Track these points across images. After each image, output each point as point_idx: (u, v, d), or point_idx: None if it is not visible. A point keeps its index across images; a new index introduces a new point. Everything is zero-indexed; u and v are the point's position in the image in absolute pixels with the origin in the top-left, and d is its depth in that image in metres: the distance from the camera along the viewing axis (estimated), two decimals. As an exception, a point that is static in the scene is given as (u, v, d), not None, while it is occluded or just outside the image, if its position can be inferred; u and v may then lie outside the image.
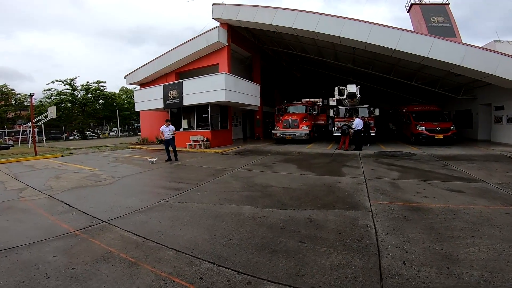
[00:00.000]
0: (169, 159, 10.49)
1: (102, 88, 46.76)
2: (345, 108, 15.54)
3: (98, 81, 47.30)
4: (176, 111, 15.66)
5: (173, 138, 10.49)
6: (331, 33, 12.44)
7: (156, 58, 20.03)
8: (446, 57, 10.97)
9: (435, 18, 21.24)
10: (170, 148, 10.53)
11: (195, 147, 14.04)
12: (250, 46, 19.51)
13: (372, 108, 14.85)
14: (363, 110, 15.02)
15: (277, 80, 24.97)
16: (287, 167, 8.40)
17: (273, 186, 6.11)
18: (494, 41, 16.01)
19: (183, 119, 15.14)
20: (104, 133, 54.46)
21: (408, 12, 22.77)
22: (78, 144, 25.72)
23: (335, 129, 14.95)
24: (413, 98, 20.76)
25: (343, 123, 14.82)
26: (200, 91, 13.39)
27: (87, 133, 48.44)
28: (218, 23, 16.70)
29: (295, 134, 14.97)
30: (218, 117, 14.96)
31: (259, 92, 16.63)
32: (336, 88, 13.17)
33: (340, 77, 23.22)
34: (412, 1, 22.00)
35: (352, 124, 11.94)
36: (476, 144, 13.58)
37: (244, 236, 3.48)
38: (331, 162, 9.08)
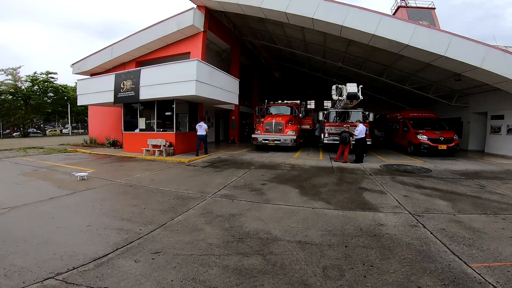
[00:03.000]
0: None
1: (51, 79, 40.61)
2: (336, 112, 13.49)
3: (47, 71, 40.94)
4: (132, 107, 12.30)
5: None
6: (332, 21, 10.26)
7: (113, 44, 16.29)
8: (465, 57, 9.44)
9: (421, 22, 20.40)
10: None
11: (153, 154, 10.84)
12: (230, 37, 16.74)
13: (366, 113, 12.97)
14: (357, 114, 13.08)
15: (255, 79, 22.41)
16: (285, 192, 5.81)
17: (279, 238, 3.48)
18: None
19: (140, 117, 11.85)
20: (54, 131, 47.14)
21: (393, 14, 21.84)
22: (10, 143, 20.55)
23: (326, 135, 12.80)
24: (398, 104, 19.65)
25: (334, 128, 12.78)
26: (163, 81, 10.30)
27: (32, 130, 41.52)
28: (194, 5, 13.73)
29: (279, 140, 12.51)
30: (185, 117, 11.95)
31: (238, 88, 13.93)
32: (334, 87, 10.97)
33: (325, 78, 21.49)
34: (399, 4, 21.07)
35: (355, 131, 9.80)
36: (475, 156, 12.41)
37: None
38: (340, 183, 6.69)
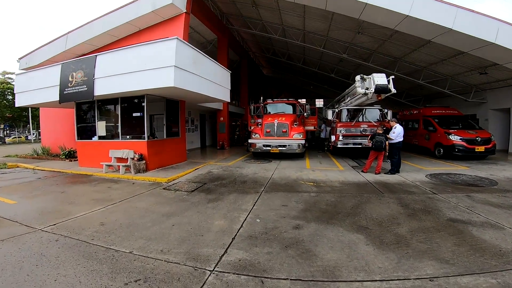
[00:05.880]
0: None
1: (9, 80, 35.78)
2: (348, 110, 11.21)
3: (4, 71, 36.06)
4: (87, 107, 9.22)
5: None
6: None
7: (68, 32, 13.07)
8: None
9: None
10: None
11: (118, 170, 7.89)
12: (217, 26, 14.01)
13: (385, 111, 10.83)
14: (373, 112, 10.92)
15: (243, 75, 19.64)
16: (345, 243, 3.26)
17: None
18: None
19: (99, 120, 8.81)
20: (19, 137, 41.20)
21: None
22: None
23: (340, 138, 10.47)
24: (401, 101, 17.87)
25: (350, 129, 10.49)
26: (128, 70, 7.41)
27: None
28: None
29: (284, 146, 9.96)
30: (162, 119, 9.08)
31: (229, 82, 11.21)
32: (358, 77, 8.68)
33: (321, 73, 19.36)
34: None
35: (390, 134, 7.50)
36: (507, 157, 10.73)
37: None
38: (414, 214, 4.26)
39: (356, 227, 3.75)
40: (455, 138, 9.84)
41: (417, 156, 11.32)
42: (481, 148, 9.60)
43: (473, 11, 8.01)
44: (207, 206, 4.66)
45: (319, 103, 27.51)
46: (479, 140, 9.65)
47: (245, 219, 4.03)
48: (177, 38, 7.02)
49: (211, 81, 9.09)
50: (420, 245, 3.19)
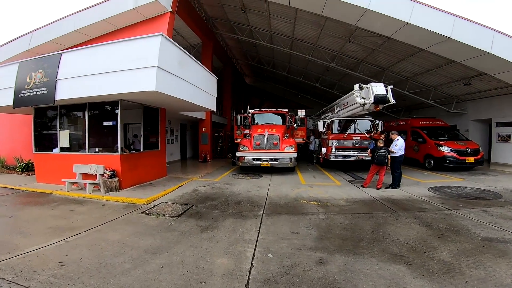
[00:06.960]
0: None
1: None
2: (339, 121, 10.83)
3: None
4: (49, 114, 7.89)
5: None
6: (355, 3, 7.71)
7: (34, 30, 11.54)
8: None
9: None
10: None
11: (84, 188, 6.64)
12: (202, 29, 13.20)
13: (377, 122, 10.61)
14: (364, 123, 10.65)
15: (227, 84, 18.75)
16: (388, 279, 2.55)
17: None
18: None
19: (62, 129, 7.52)
20: None
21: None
22: None
23: (333, 150, 9.99)
24: (383, 112, 18.09)
25: (342, 141, 10.07)
26: (100, 71, 6.34)
27: None
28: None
29: (276, 159, 9.21)
30: (139, 129, 7.98)
31: (216, 89, 10.34)
32: (356, 87, 8.25)
33: (304, 82, 19.22)
34: None
35: (392, 147, 7.09)
36: (493, 167, 11.02)
37: None
38: (442, 235, 3.71)
39: (390, 256, 3.09)
40: (446, 150, 9.81)
41: (407, 167, 11.11)
42: (471, 159, 9.65)
43: (469, 20, 8.03)
44: (201, 237, 3.73)
45: (301, 113, 27.39)
46: (469, 151, 9.69)
47: (254, 255, 3.18)
48: (162, 35, 6.14)
49: (197, 87, 8.20)
50: (474, 271, 2.69)
